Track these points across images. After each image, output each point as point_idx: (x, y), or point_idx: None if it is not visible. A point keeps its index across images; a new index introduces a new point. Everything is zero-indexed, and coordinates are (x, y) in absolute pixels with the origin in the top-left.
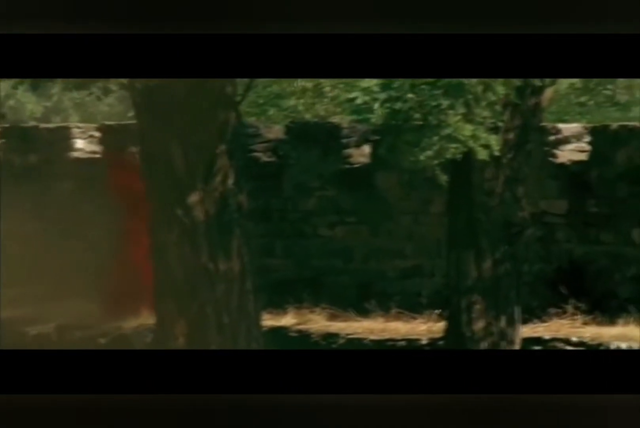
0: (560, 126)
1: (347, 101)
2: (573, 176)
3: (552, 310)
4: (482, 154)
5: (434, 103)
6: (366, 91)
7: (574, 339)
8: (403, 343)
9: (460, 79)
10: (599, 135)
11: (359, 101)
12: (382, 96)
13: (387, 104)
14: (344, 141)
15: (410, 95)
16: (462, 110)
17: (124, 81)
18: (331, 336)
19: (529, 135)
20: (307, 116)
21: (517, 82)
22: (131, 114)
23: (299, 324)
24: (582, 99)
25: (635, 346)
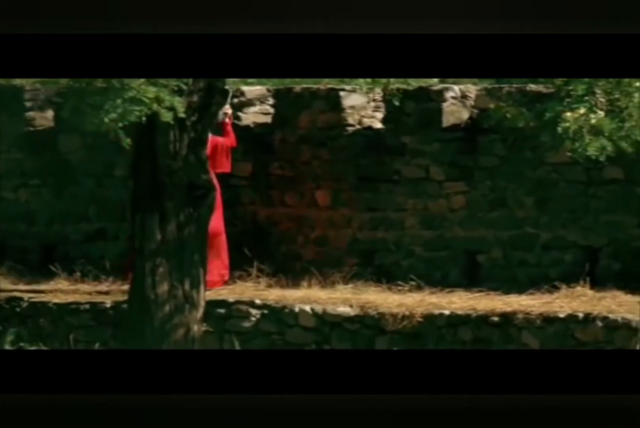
0: (244, 88)
1: None
2: (257, 139)
3: (237, 273)
4: (166, 117)
5: None
6: None
7: (258, 302)
8: (87, 306)
9: None
10: (282, 98)
11: None
12: None
13: None
14: (28, 104)
15: None
16: None
17: None
18: (15, 299)
19: (213, 97)
20: None
21: None
22: None
23: None
24: None
25: (318, 308)
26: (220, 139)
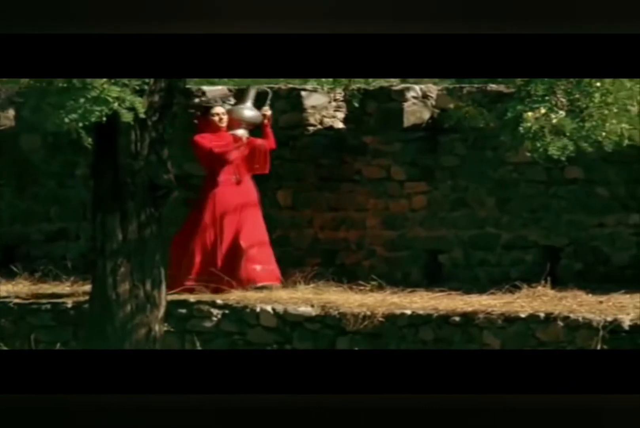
0: (205, 88)
1: None
2: None
3: None
4: (127, 117)
5: None
6: None
7: (219, 302)
8: (48, 306)
9: None
10: None
11: None
12: None
13: None
14: None
15: None
16: None
17: None
18: None
19: (174, 97)
20: None
21: None
22: None
23: None
24: None
25: (279, 308)
26: (259, 140)
